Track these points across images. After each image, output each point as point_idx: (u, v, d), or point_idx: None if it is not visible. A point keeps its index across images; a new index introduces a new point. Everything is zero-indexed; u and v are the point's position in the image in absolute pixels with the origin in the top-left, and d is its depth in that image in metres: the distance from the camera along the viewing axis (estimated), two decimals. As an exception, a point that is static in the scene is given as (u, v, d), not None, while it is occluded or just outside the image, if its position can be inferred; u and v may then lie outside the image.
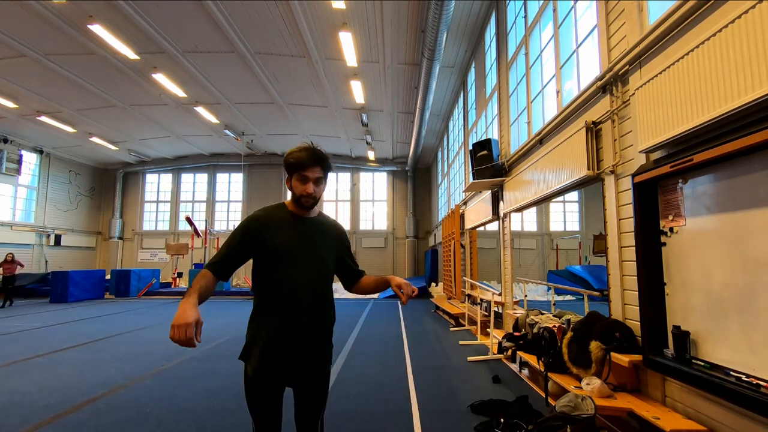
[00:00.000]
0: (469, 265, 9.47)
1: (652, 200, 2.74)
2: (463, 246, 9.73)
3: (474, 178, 6.50)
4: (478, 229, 8.97)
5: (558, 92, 4.59)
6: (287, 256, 1.53)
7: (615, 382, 2.90)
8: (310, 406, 1.63)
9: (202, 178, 18.95)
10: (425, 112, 10.68)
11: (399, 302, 12.13)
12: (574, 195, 15.57)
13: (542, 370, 3.43)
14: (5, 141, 13.86)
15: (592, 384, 2.75)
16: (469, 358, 5.00)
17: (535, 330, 3.96)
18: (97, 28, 7.81)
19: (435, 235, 15.65)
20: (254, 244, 1.52)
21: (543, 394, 3.41)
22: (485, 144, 6.33)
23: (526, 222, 15.91)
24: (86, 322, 8.06)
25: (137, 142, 15.74)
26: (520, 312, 5.08)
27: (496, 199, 6.68)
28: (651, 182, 2.71)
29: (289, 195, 1.65)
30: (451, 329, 7.34)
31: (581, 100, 3.78)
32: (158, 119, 13.33)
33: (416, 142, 13.57)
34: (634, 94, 2.84)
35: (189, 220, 14.30)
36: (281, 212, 1.60)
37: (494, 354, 5.05)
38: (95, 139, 14.57)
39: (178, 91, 10.94)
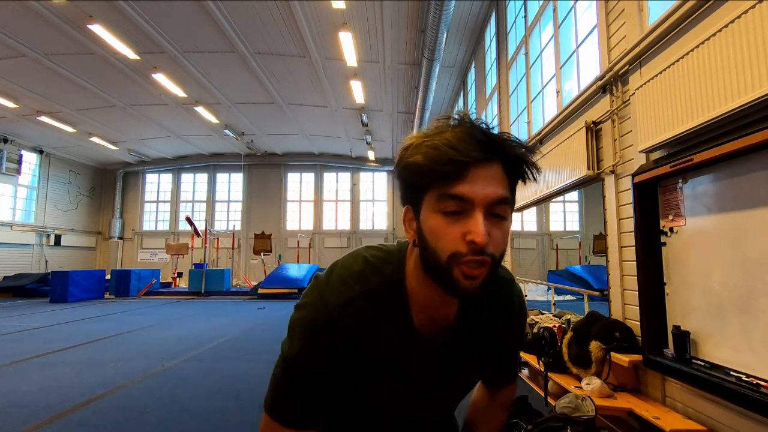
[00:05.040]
0: (469, 265, 9.46)
1: (652, 200, 2.74)
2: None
3: (474, 178, 6.49)
4: (478, 229, 8.95)
5: (558, 92, 4.59)
6: (379, 366, 0.70)
7: (615, 382, 2.90)
8: None
9: (202, 178, 18.94)
10: (425, 112, 10.68)
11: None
12: (574, 195, 15.56)
13: (542, 370, 3.43)
14: (5, 141, 13.86)
15: (592, 384, 2.75)
16: (469, 358, 5.00)
17: (535, 330, 3.96)
18: (97, 28, 7.80)
19: (435, 235, 15.62)
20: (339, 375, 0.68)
21: (543, 394, 3.41)
22: (485, 144, 6.32)
23: (526, 222, 15.89)
24: (86, 322, 8.06)
25: (137, 142, 15.73)
26: (520, 312, 5.07)
27: (496, 199, 6.66)
28: (651, 182, 2.71)
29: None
30: (451, 329, 7.34)
31: (581, 100, 3.78)
32: (158, 119, 13.33)
33: (416, 142, 13.56)
34: (634, 94, 2.84)
35: (189, 220, 14.30)
36: (390, 322, 0.67)
37: (494, 354, 5.04)
38: (95, 139, 14.56)
39: (178, 91, 10.93)
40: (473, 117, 0.58)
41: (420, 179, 0.57)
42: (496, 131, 0.57)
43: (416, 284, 0.65)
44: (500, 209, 0.56)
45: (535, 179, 0.61)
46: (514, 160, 0.58)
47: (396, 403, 0.75)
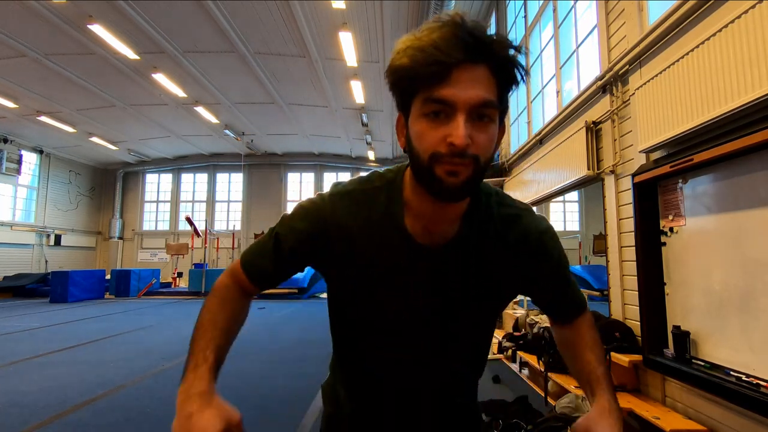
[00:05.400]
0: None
1: (652, 200, 2.74)
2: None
3: (474, 178, 6.48)
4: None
5: (558, 92, 4.59)
6: (378, 332, 0.75)
7: (615, 382, 2.89)
8: None
9: (202, 178, 18.94)
10: (425, 112, 10.68)
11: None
12: (574, 195, 15.56)
13: (542, 370, 3.43)
14: (5, 141, 13.86)
15: (592, 384, 2.75)
16: (469, 358, 4.99)
17: (535, 330, 3.96)
18: (97, 28, 7.80)
19: (435, 235, 15.63)
20: (309, 262, 0.75)
21: (543, 394, 3.41)
22: (485, 144, 6.33)
23: (526, 222, 15.88)
24: (86, 322, 8.06)
25: (137, 142, 15.74)
26: (520, 312, 5.08)
27: (496, 199, 6.67)
28: (651, 182, 2.71)
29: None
30: (451, 329, 7.33)
31: (581, 100, 3.78)
32: (158, 119, 13.33)
33: (416, 142, 13.56)
34: (634, 94, 2.84)
35: (189, 220, 14.30)
36: (383, 218, 0.69)
37: (494, 354, 5.05)
38: (95, 139, 14.56)
39: (178, 91, 10.94)
40: (464, 18, 0.55)
41: (407, 83, 0.57)
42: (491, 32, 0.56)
43: (411, 192, 0.67)
44: (485, 112, 0.55)
45: (523, 80, 0.58)
46: (502, 61, 0.55)
47: (395, 369, 0.76)
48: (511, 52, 0.56)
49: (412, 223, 0.68)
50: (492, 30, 5.65)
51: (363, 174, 0.75)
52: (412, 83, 0.56)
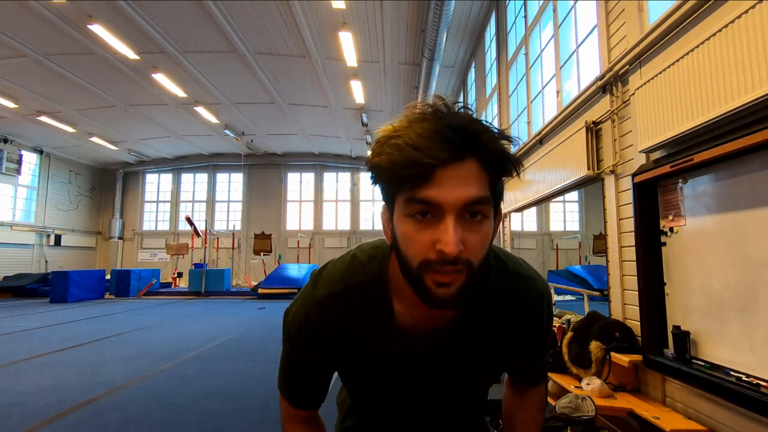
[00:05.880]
0: (469, 265, 9.45)
1: (652, 200, 2.74)
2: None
3: (474, 178, 6.48)
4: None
5: (558, 92, 4.59)
6: (381, 399, 0.78)
7: (615, 382, 2.90)
8: None
9: (202, 178, 18.94)
10: (425, 112, 10.66)
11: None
12: (574, 195, 15.55)
13: (542, 370, 3.43)
14: (5, 141, 13.85)
15: (592, 384, 2.75)
16: (469, 358, 4.99)
17: (535, 330, 3.95)
18: (97, 28, 7.80)
19: (435, 235, 15.61)
20: (326, 365, 0.75)
21: (543, 394, 3.40)
22: (485, 144, 6.32)
23: (526, 222, 15.88)
24: (86, 322, 8.06)
25: (137, 142, 15.73)
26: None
27: (496, 199, 6.66)
28: (651, 182, 2.70)
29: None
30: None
31: (581, 100, 3.77)
32: (158, 119, 13.32)
33: (416, 142, 13.55)
34: (634, 94, 2.84)
35: (189, 220, 14.29)
36: (374, 321, 0.67)
37: (494, 354, 5.04)
38: (95, 139, 14.56)
39: (178, 91, 10.93)
40: (447, 105, 0.51)
41: (386, 182, 0.53)
42: (478, 117, 0.54)
43: (403, 284, 0.60)
44: (478, 209, 0.51)
45: (518, 174, 0.55)
46: (492, 155, 0.51)
47: (394, 404, 0.77)
48: (501, 143, 0.52)
49: (407, 309, 0.66)
50: (493, 27, 5.55)
51: (343, 258, 0.72)
52: (392, 183, 0.52)
